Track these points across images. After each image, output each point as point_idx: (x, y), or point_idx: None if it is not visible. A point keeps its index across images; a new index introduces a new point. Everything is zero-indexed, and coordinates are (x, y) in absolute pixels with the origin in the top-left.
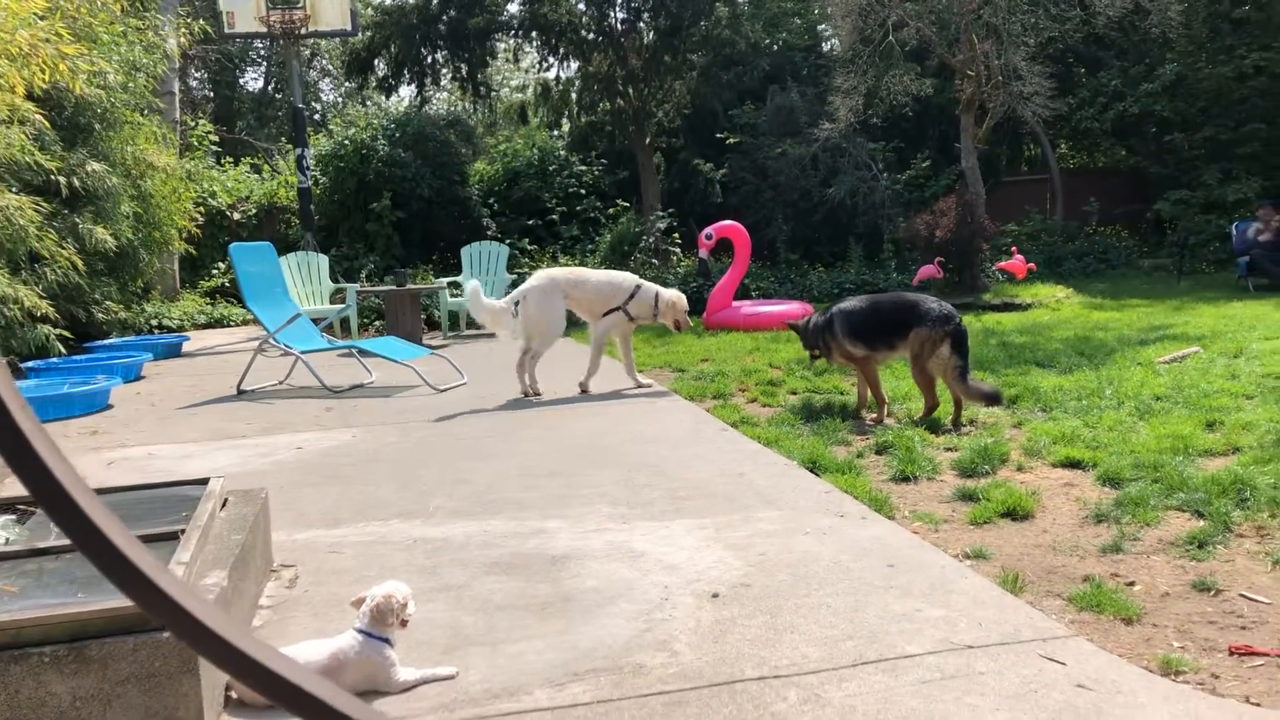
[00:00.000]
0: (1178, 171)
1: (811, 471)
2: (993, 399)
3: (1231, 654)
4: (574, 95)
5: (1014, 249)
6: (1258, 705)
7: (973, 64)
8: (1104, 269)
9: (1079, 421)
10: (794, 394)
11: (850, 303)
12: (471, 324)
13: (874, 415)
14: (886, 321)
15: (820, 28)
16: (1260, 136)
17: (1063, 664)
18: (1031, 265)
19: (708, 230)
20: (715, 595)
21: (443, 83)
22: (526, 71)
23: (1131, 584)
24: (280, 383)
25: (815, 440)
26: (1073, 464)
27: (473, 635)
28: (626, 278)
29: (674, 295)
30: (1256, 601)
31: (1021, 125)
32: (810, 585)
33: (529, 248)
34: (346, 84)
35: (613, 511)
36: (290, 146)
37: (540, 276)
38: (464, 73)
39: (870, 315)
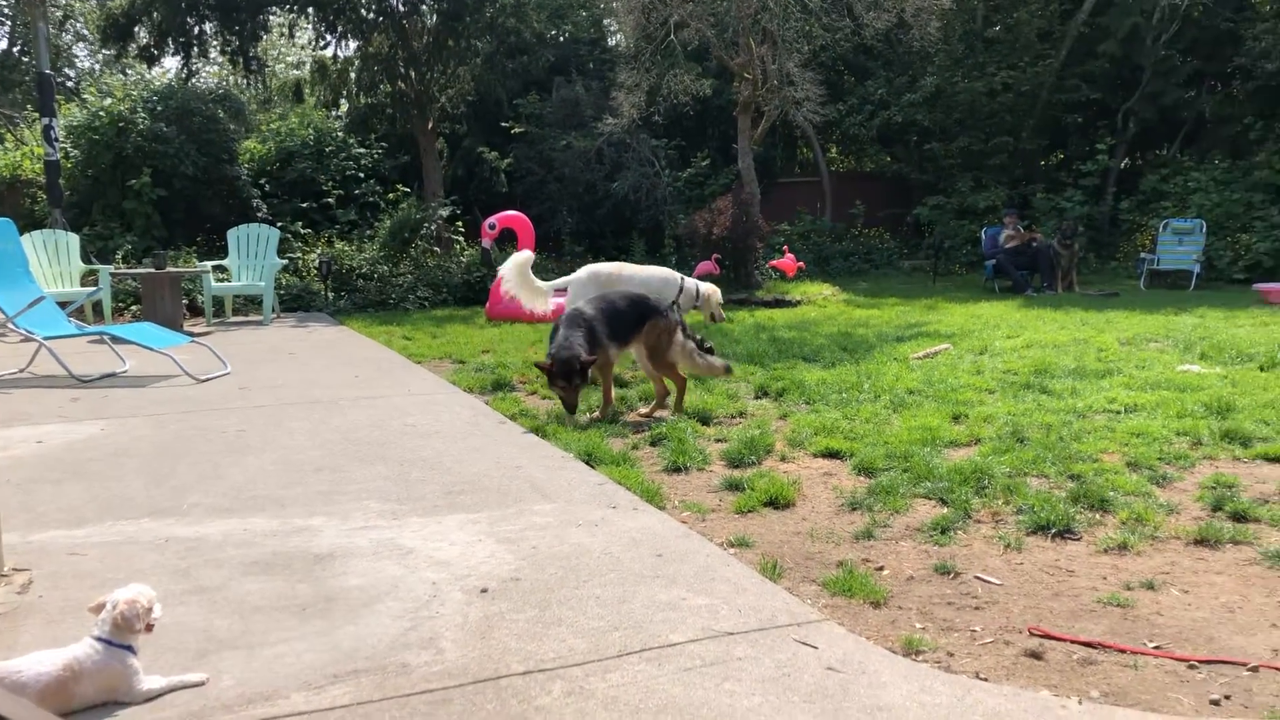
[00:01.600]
0: (936, 178)
1: (587, 464)
2: (727, 370)
3: (1031, 635)
4: (353, 75)
5: (785, 248)
6: (985, 680)
7: (750, 67)
8: (868, 269)
9: (839, 414)
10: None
11: (589, 308)
12: (237, 310)
13: (598, 413)
14: (630, 318)
15: (605, 22)
16: (1007, 149)
17: (815, 648)
18: (801, 264)
19: (491, 219)
20: (485, 590)
21: (211, 55)
22: (303, 48)
23: (881, 569)
24: (21, 371)
25: (593, 432)
26: (832, 454)
27: (227, 639)
28: (671, 273)
29: (711, 288)
30: (989, 583)
31: (795, 129)
32: (580, 577)
33: (303, 231)
34: (104, 51)
35: (382, 507)
36: (37, 115)
37: (583, 271)
38: (234, 46)
39: (617, 313)
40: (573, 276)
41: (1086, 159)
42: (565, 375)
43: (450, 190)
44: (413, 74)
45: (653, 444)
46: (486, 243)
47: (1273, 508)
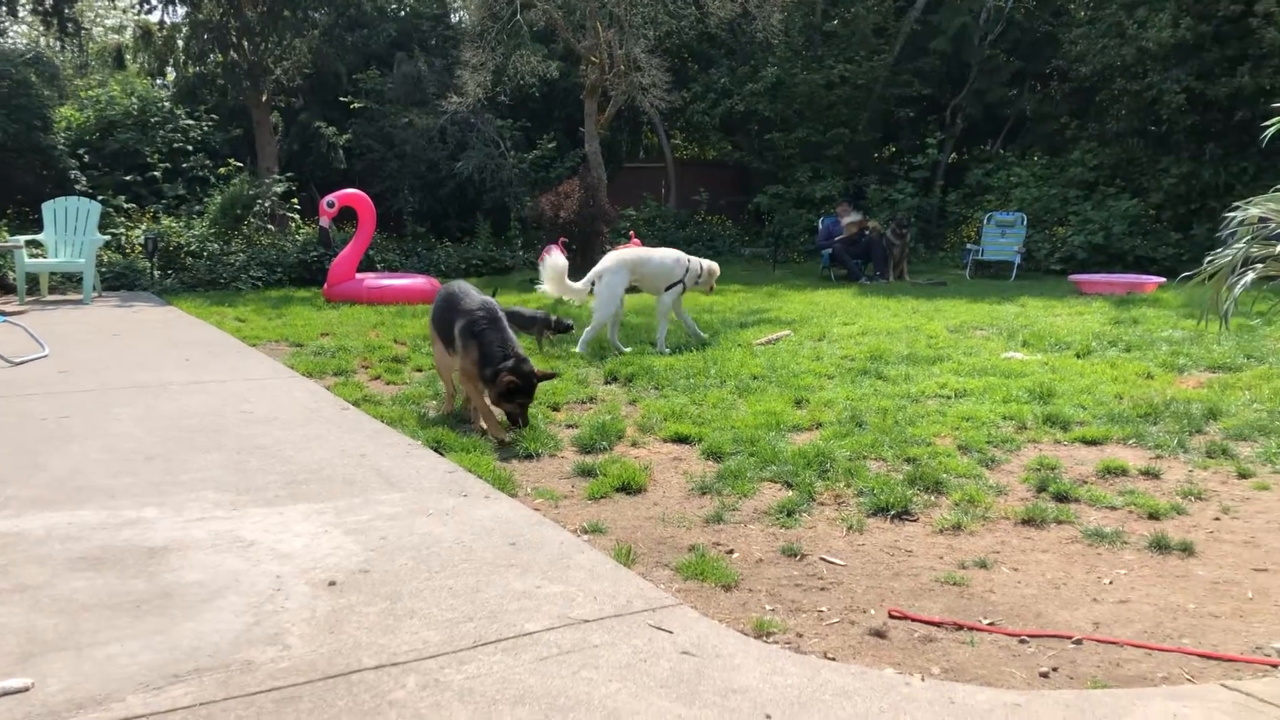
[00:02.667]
0: (776, 168)
1: (436, 451)
2: None
3: (891, 618)
4: (181, 43)
5: (631, 233)
6: (833, 660)
7: (597, 51)
8: (711, 255)
9: (687, 399)
10: (420, 371)
11: (488, 304)
12: (54, 288)
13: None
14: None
15: None
16: (843, 140)
17: (670, 632)
18: None
19: (330, 197)
20: (332, 583)
21: (20, 14)
22: (125, 11)
23: (731, 552)
24: None
25: (441, 418)
26: (681, 439)
27: (54, 640)
28: (681, 254)
29: (712, 265)
30: (834, 564)
31: (641, 114)
32: (432, 568)
33: (126, 206)
34: None
35: (220, 498)
36: None
37: (611, 259)
38: (48, 5)
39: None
40: (602, 266)
41: (917, 152)
42: (528, 392)
43: (285, 166)
44: (246, 44)
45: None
46: (325, 221)
47: (1091, 488)
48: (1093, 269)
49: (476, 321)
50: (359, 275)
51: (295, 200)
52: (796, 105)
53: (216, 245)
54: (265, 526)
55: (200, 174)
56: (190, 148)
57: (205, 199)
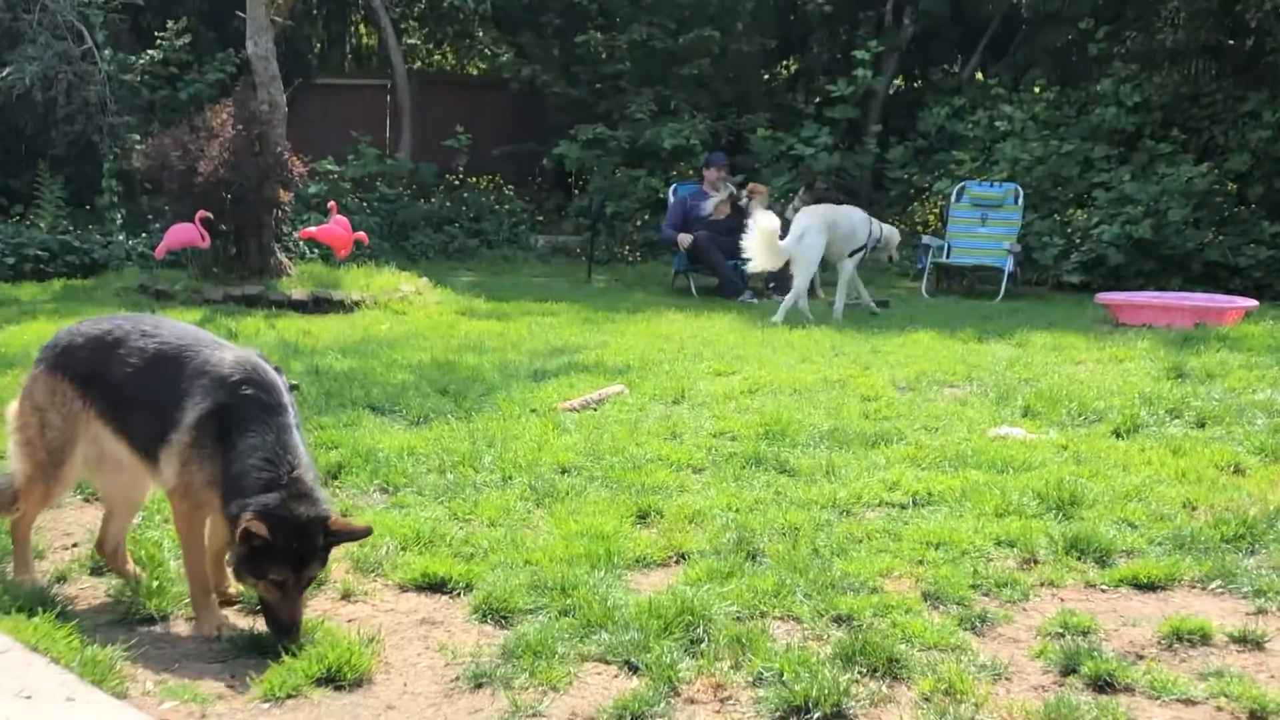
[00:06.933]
0: (592, 95)
1: None
2: None
3: None
4: None
5: (332, 205)
6: None
7: None
8: (478, 246)
9: (443, 510)
10: None
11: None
12: None
13: None
14: None
15: None
16: (710, 50)
17: None
18: (361, 235)
19: None
20: None
21: None
22: None
23: None
24: None
25: None
26: (435, 585)
27: None
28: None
29: (892, 230)
30: None
31: None
32: None
33: None
34: None
35: None
36: None
37: (813, 215)
38: None
39: None
40: (805, 223)
41: (837, 75)
42: (302, 558)
43: None
44: None
45: (96, 572)
46: None
47: (1151, 666)
48: (1134, 282)
49: (241, 403)
50: None
51: None
52: None
53: None
54: None
55: None
56: None
57: None
